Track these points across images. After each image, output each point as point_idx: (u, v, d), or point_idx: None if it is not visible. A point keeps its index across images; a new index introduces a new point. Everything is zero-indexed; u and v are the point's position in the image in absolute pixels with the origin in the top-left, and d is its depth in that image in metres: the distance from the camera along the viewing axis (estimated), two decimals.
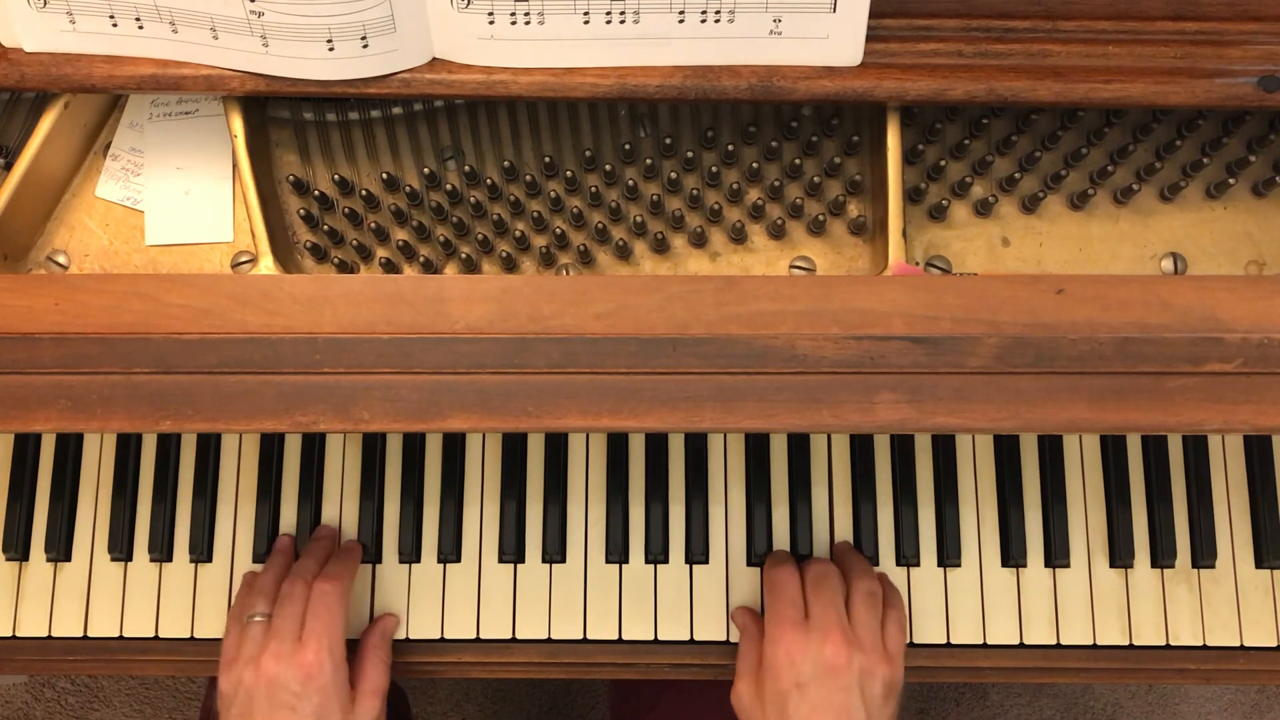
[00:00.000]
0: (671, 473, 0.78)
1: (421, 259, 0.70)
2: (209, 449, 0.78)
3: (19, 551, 0.77)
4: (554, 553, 0.77)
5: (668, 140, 0.69)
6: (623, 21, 0.60)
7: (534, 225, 0.70)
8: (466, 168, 0.69)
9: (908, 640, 0.71)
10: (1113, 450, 0.77)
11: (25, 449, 0.79)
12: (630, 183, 0.69)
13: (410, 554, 0.77)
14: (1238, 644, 0.76)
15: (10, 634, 0.77)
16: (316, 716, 0.65)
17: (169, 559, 0.77)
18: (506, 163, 0.70)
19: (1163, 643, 0.76)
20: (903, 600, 0.74)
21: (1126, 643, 0.76)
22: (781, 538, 0.77)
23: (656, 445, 0.78)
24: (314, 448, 0.78)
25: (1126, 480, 0.77)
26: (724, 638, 0.76)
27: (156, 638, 0.77)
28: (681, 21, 0.60)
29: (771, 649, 0.66)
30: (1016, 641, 0.76)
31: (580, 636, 0.76)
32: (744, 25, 0.60)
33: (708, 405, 0.57)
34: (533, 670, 0.77)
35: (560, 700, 1.49)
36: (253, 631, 0.68)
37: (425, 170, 0.70)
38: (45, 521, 0.78)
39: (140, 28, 0.61)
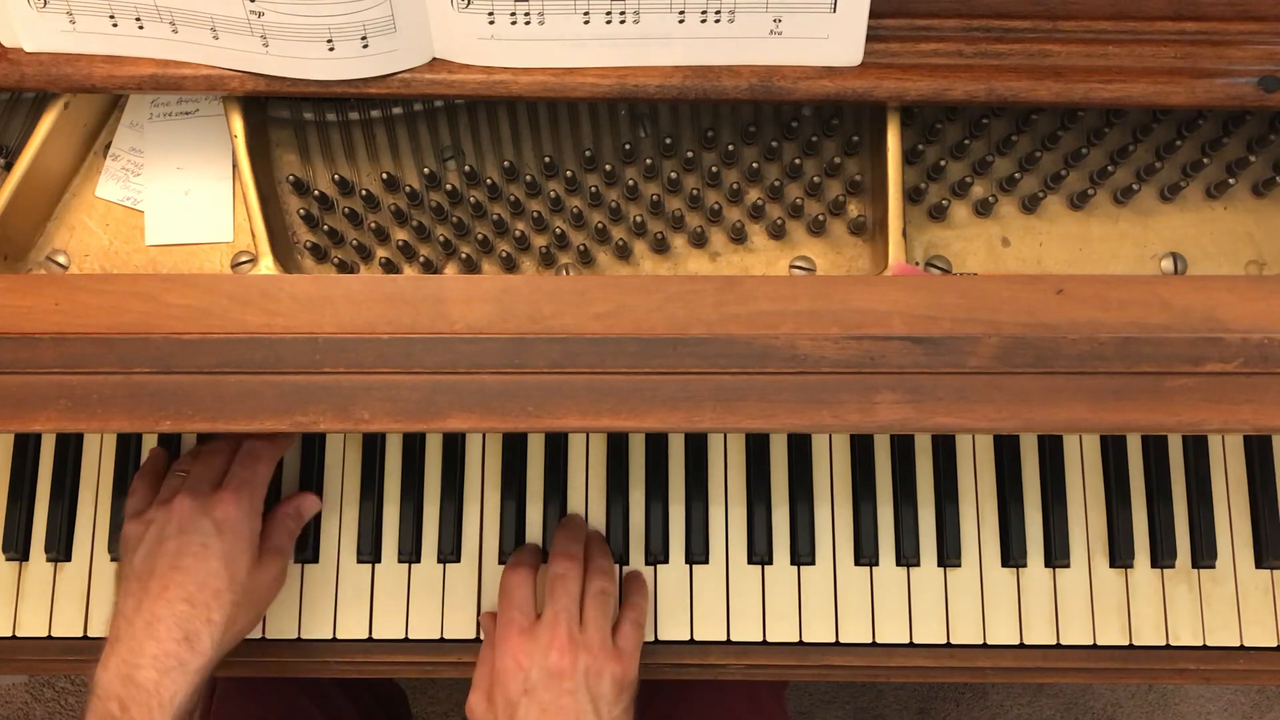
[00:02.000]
0: (671, 473, 0.78)
1: (421, 259, 0.70)
2: None
3: (19, 551, 0.77)
4: None
5: (668, 140, 0.69)
6: (623, 21, 0.60)
7: (534, 225, 0.70)
8: (466, 168, 0.69)
9: (644, 637, 0.72)
10: (1113, 450, 0.77)
11: (25, 449, 0.79)
12: (630, 183, 0.69)
13: (410, 554, 0.77)
14: (1238, 644, 0.76)
15: (10, 634, 0.77)
16: (225, 557, 0.65)
17: None
18: (506, 163, 0.70)
19: (1163, 643, 0.76)
20: (647, 596, 0.74)
21: (1126, 643, 0.76)
22: (781, 538, 0.77)
23: (656, 445, 0.78)
24: (314, 448, 0.78)
25: (1126, 480, 0.77)
26: (724, 638, 0.76)
27: None
28: (681, 21, 0.60)
29: (500, 657, 0.67)
30: (1016, 641, 0.76)
31: None
32: (744, 25, 0.60)
33: (708, 405, 0.57)
34: None
35: None
36: (172, 481, 0.69)
37: (425, 170, 0.70)
38: (45, 521, 0.78)
39: (140, 28, 0.61)
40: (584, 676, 0.65)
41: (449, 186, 0.69)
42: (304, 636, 0.76)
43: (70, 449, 0.79)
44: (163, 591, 0.63)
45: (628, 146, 0.70)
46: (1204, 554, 0.76)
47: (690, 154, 0.70)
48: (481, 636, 0.76)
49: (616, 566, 0.76)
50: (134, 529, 0.68)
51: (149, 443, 0.78)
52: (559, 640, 0.66)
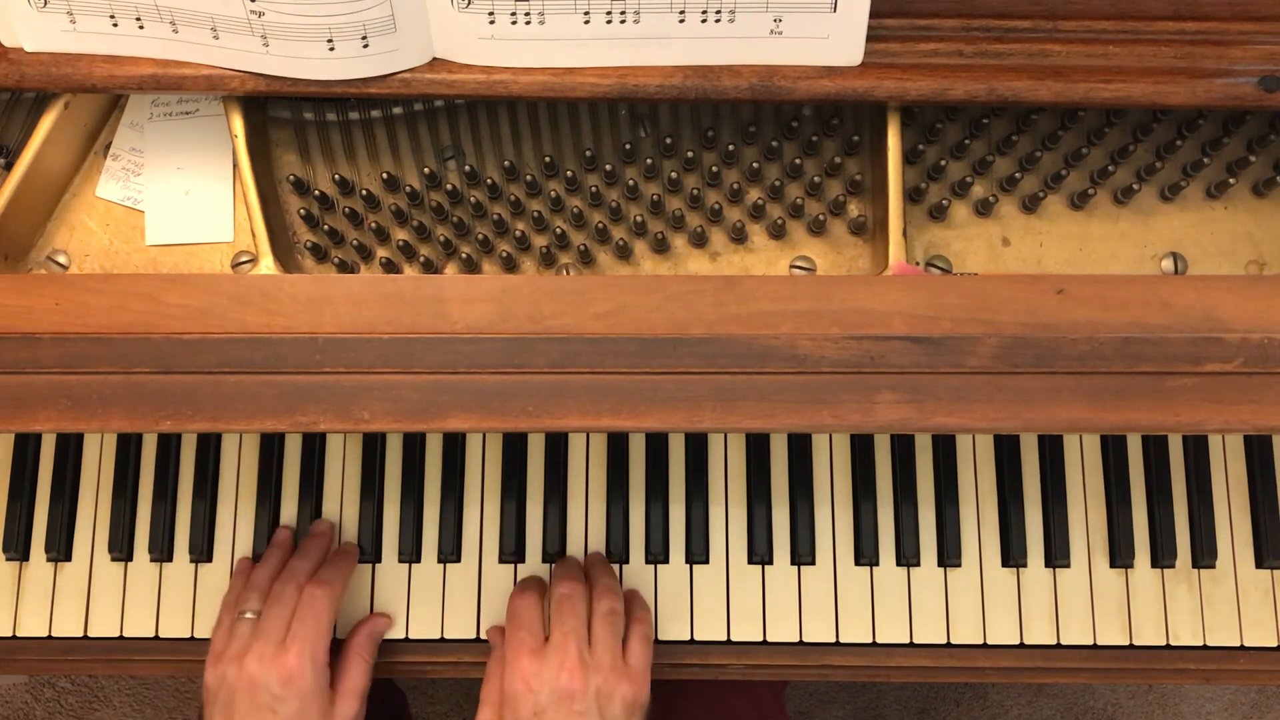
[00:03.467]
0: (671, 473, 0.78)
1: (421, 259, 0.70)
2: (209, 449, 0.78)
3: (19, 551, 0.77)
4: (554, 553, 0.77)
5: (668, 140, 0.69)
6: (623, 21, 0.60)
7: (534, 225, 0.70)
8: (466, 168, 0.69)
9: (651, 655, 0.71)
10: (1113, 450, 0.77)
11: (25, 449, 0.79)
12: (630, 183, 0.69)
13: (410, 554, 0.77)
14: (1238, 644, 0.76)
15: (10, 634, 0.77)
16: (295, 717, 0.66)
17: (169, 559, 0.77)
18: (506, 163, 0.70)
19: (1163, 643, 0.76)
20: (649, 615, 0.74)
21: (1126, 643, 0.76)
22: (781, 538, 0.77)
23: (656, 445, 0.78)
24: (314, 448, 0.78)
25: (1126, 480, 0.77)
26: (724, 638, 0.76)
27: (156, 638, 0.77)
28: (682, 21, 0.60)
29: (509, 678, 0.67)
30: (1016, 641, 0.76)
31: None
32: (744, 25, 0.60)
33: (708, 405, 0.57)
34: None
35: None
36: (241, 628, 0.69)
37: (425, 170, 0.70)
38: (45, 521, 0.78)
39: (141, 28, 0.61)
40: (595, 698, 0.65)
41: (449, 186, 0.69)
42: None
43: (70, 449, 0.79)
44: None
45: (628, 146, 0.70)
46: (1204, 554, 0.76)
47: (690, 154, 0.70)
48: (483, 636, 0.76)
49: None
50: (211, 679, 0.68)
51: (149, 443, 0.78)
52: (569, 662, 0.65)
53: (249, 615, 0.69)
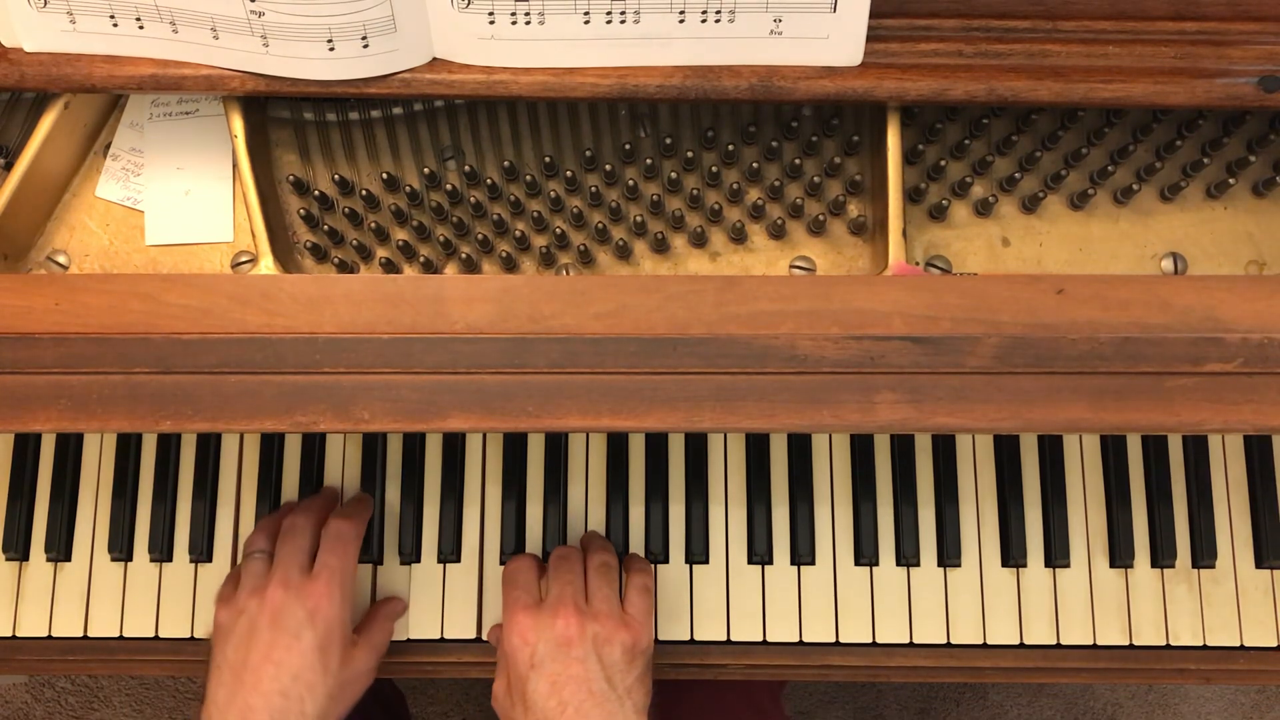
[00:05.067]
0: (671, 473, 0.78)
1: (421, 259, 0.70)
2: (209, 449, 0.78)
3: (19, 551, 0.77)
4: None
5: (668, 140, 0.69)
6: (623, 21, 0.60)
7: (534, 225, 0.70)
8: (466, 168, 0.69)
9: (652, 605, 0.71)
10: (1113, 450, 0.77)
11: (25, 449, 0.79)
12: (630, 183, 0.69)
13: (410, 554, 0.77)
14: (1238, 644, 0.76)
15: (10, 634, 0.77)
16: (318, 649, 0.65)
17: (169, 559, 0.77)
18: (506, 163, 0.70)
19: (1163, 643, 0.76)
20: (649, 569, 0.73)
21: (1126, 643, 0.76)
22: (781, 538, 0.77)
23: (656, 445, 0.78)
24: (314, 448, 0.78)
25: (1126, 480, 0.77)
26: (724, 638, 0.76)
27: (156, 638, 0.77)
28: (682, 21, 0.60)
29: (507, 636, 0.66)
30: (1016, 641, 0.76)
31: None
32: (744, 25, 0.60)
33: (708, 405, 0.57)
34: None
35: None
36: (254, 566, 0.68)
37: (425, 170, 0.70)
38: (45, 521, 0.78)
39: (140, 28, 0.61)
40: (593, 644, 0.65)
41: (449, 186, 0.69)
42: None
43: (70, 449, 0.79)
44: (257, 684, 0.63)
45: (628, 146, 0.70)
46: (1204, 554, 0.76)
47: (690, 154, 0.70)
48: (484, 637, 0.76)
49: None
50: (225, 616, 0.67)
51: (149, 443, 0.78)
52: (564, 610, 0.65)
53: (258, 555, 0.69)
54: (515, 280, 0.59)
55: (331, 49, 0.60)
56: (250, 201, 0.66)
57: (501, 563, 0.77)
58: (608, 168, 0.70)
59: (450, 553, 0.76)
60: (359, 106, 0.70)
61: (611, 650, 0.65)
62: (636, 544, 0.77)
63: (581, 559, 0.71)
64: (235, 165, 0.68)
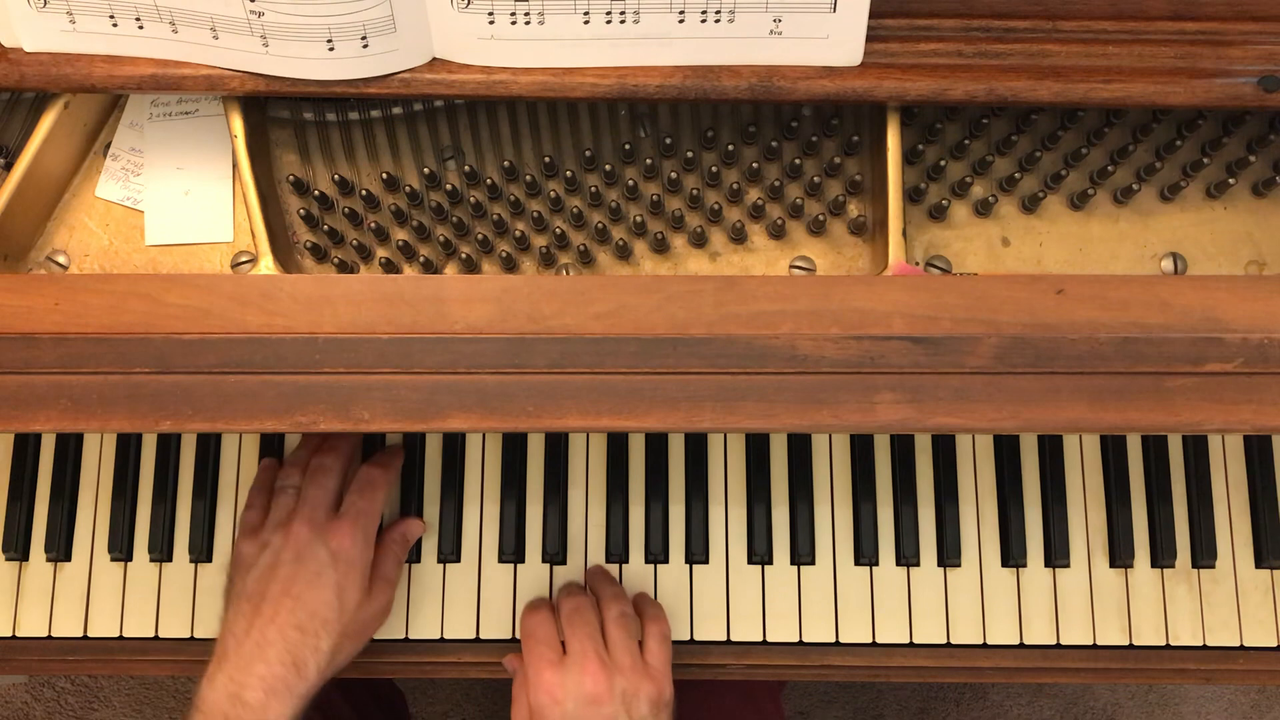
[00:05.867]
0: (671, 473, 0.78)
1: (421, 259, 0.70)
2: (209, 449, 0.78)
3: (19, 551, 0.77)
4: (554, 553, 0.77)
5: (668, 140, 0.69)
6: (623, 21, 0.60)
7: (534, 225, 0.70)
8: (466, 168, 0.69)
9: (671, 654, 0.71)
10: (1113, 450, 0.77)
11: (25, 449, 0.79)
12: (630, 183, 0.69)
13: (410, 554, 0.77)
14: (1238, 644, 0.76)
15: (10, 634, 0.77)
16: (337, 588, 0.66)
17: (169, 559, 0.77)
18: (506, 163, 0.70)
19: (1163, 643, 0.76)
20: (663, 614, 0.73)
21: (1126, 643, 0.76)
22: (781, 538, 0.77)
23: (656, 445, 0.78)
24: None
25: (1126, 480, 0.77)
26: (724, 638, 0.76)
27: (156, 638, 0.77)
28: (681, 21, 0.60)
29: (534, 693, 0.66)
30: (1016, 641, 0.76)
31: None
32: (744, 25, 0.60)
33: (708, 405, 0.57)
34: None
35: None
36: (285, 499, 0.69)
37: (425, 170, 0.70)
38: (45, 521, 0.78)
39: (140, 28, 0.61)
40: (621, 699, 0.65)
41: (449, 186, 0.69)
42: None
43: (70, 449, 0.79)
44: (274, 616, 0.64)
45: (628, 146, 0.70)
46: (1204, 554, 0.76)
47: (690, 154, 0.70)
48: (483, 636, 0.76)
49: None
50: (248, 548, 0.68)
51: (149, 443, 0.78)
52: (590, 667, 0.65)
53: (290, 489, 0.69)
54: (515, 280, 0.59)
55: (331, 49, 0.60)
56: (250, 201, 0.66)
57: (501, 562, 0.77)
58: (608, 168, 0.70)
59: (450, 553, 0.76)
60: (359, 106, 0.70)
61: (639, 705, 0.66)
62: (636, 544, 0.77)
63: (593, 606, 0.70)
64: (235, 165, 0.68)
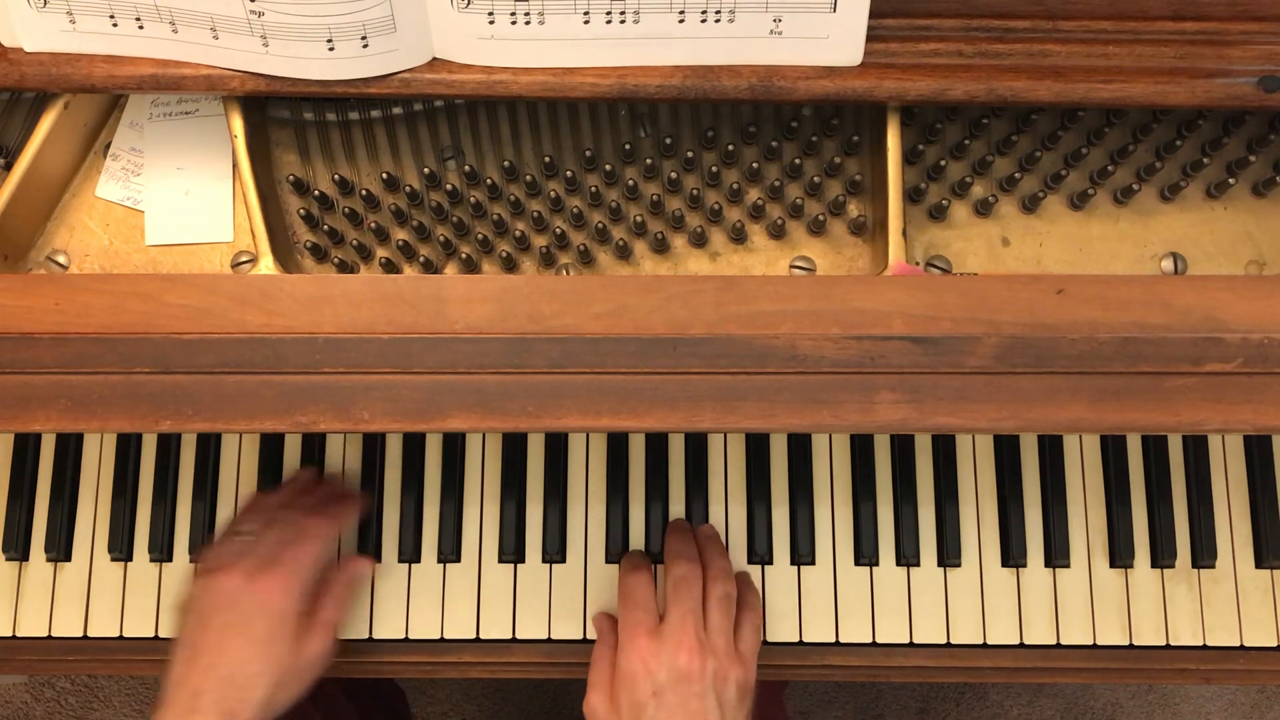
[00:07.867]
0: (671, 473, 0.78)
1: (421, 259, 0.70)
2: (209, 449, 0.78)
3: (19, 551, 0.77)
4: (554, 553, 0.77)
5: (668, 140, 0.69)
6: (623, 21, 0.60)
7: (534, 225, 0.70)
8: (466, 168, 0.69)
9: (761, 641, 0.71)
10: (1113, 450, 0.77)
11: (25, 449, 0.79)
12: (630, 183, 0.69)
13: (410, 554, 0.77)
14: (1238, 644, 0.76)
15: (10, 634, 0.77)
16: (265, 641, 0.66)
17: (169, 559, 0.77)
18: (506, 163, 0.70)
19: (1163, 643, 0.76)
20: (759, 600, 0.74)
21: (1126, 643, 0.76)
22: (781, 538, 0.77)
23: (656, 445, 0.78)
24: (314, 448, 0.78)
25: (1126, 480, 0.77)
26: None
27: (156, 638, 0.77)
28: (681, 21, 0.60)
29: (626, 658, 0.66)
30: (1016, 641, 0.76)
31: (580, 636, 0.76)
32: (744, 25, 0.60)
33: (708, 405, 0.57)
34: (533, 670, 0.77)
35: (560, 700, 1.49)
36: (235, 545, 0.69)
37: (425, 170, 0.70)
38: (45, 521, 0.78)
39: (140, 28, 0.61)
40: (712, 680, 0.65)
41: (449, 186, 0.69)
42: None
43: (70, 449, 0.79)
44: (208, 669, 0.65)
45: (628, 146, 0.70)
46: (1204, 554, 0.76)
47: (690, 154, 0.70)
48: (482, 636, 0.76)
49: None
50: (196, 588, 0.69)
51: (149, 443, 0.78)
52: (687, 643, 0.66)
53: (245, 534, 0.70)
54: (515, 280, 0.59)
55: (331, 49, 0.60)
56: (250, 201, 0.66)
57: (501, 562, 0.77)
58: (608, 168, 0.70)
59: (450, 553, 0.76)
60: (359, 106, 0.70)
61: (728, 689, 0.66)
62: (636, 544, 0.77)
63: (700, 579, 0.70)
64: (235, 165, 0.68)
